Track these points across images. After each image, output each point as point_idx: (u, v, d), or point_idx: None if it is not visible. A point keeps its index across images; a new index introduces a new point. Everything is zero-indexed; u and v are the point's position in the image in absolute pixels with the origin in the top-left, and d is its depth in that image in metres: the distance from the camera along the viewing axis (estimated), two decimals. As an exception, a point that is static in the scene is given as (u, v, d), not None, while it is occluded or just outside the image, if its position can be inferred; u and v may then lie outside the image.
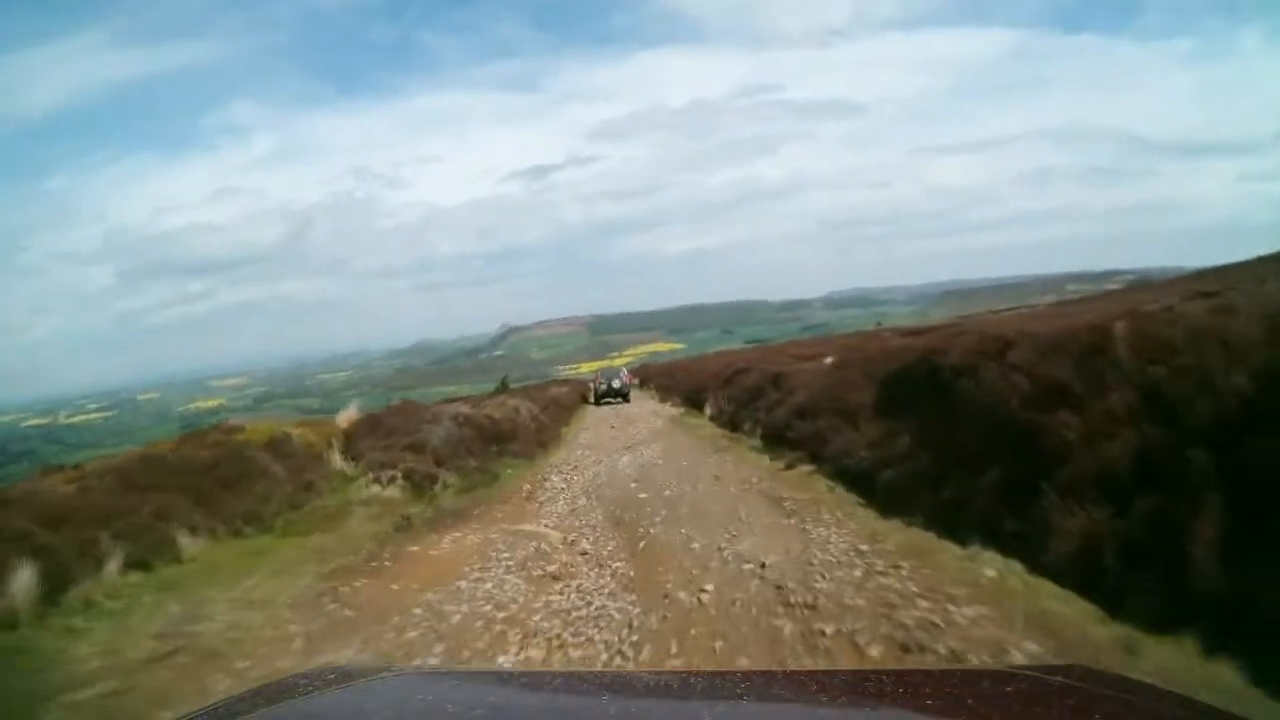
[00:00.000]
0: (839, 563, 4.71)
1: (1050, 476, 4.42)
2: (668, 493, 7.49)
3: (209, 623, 4.58)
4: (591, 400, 25.21)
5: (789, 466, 7.97)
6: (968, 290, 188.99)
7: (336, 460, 9.12)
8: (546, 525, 6.94)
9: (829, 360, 11.81)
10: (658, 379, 30.35)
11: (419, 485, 7.95)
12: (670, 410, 19.42)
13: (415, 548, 6.22)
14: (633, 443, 12.81)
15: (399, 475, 7.97)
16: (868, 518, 5.91)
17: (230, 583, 5.41)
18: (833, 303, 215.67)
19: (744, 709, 0.99)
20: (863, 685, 1.18)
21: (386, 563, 5.85)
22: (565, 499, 8.20)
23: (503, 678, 1.56)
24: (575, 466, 10.82)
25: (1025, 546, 4.34)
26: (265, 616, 4.68)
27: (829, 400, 8.50)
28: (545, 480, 9.63)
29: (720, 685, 1.17)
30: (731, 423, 13.71)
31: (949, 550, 4.70)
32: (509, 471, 10.23)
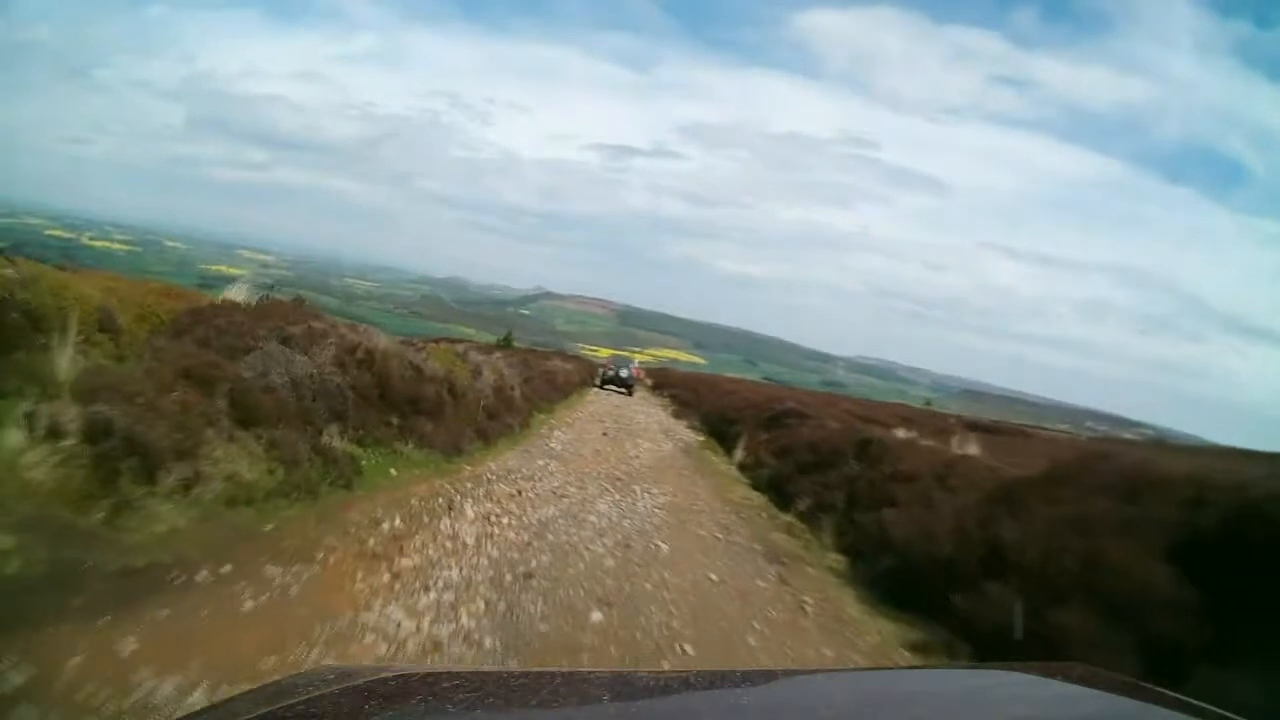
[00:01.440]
0: None
1: None
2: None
3: None
4: (597, 383, 24.21)
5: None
6: (986, 394, 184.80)
7: (66, 351, 4.50)
8: None
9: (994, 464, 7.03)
10: (676, 388, 25.79)
11: (110, 461, 3.34)
12: (685, 433, 14.71)
13: None
14: (625, 475, 8.16)
15: (80, 427, 3.37)
16: None
17: None
18: (856, 366, 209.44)
19: (744, 709, 0.95)
20: (863, 685, 1.18)
21: None
22: (438, 593, 3.61)
23: (502, 678, 1.26)
24: (515, 495, 6.20)
25: None
26: None
27: (1077, 558, 3.76)
28: (444, 516, 5.01)
29: (720, 685, 1.11)
30: (775, 487, 9.05)
31: None
32: (392, 473, 5.60)
